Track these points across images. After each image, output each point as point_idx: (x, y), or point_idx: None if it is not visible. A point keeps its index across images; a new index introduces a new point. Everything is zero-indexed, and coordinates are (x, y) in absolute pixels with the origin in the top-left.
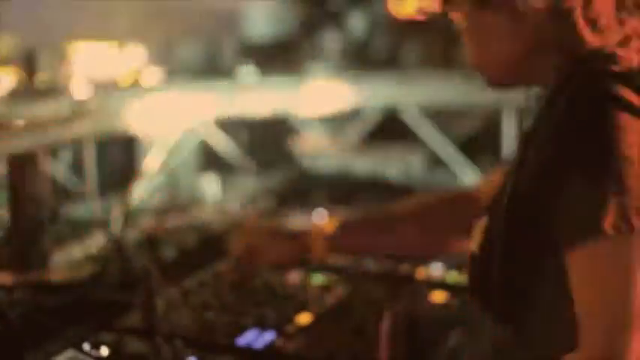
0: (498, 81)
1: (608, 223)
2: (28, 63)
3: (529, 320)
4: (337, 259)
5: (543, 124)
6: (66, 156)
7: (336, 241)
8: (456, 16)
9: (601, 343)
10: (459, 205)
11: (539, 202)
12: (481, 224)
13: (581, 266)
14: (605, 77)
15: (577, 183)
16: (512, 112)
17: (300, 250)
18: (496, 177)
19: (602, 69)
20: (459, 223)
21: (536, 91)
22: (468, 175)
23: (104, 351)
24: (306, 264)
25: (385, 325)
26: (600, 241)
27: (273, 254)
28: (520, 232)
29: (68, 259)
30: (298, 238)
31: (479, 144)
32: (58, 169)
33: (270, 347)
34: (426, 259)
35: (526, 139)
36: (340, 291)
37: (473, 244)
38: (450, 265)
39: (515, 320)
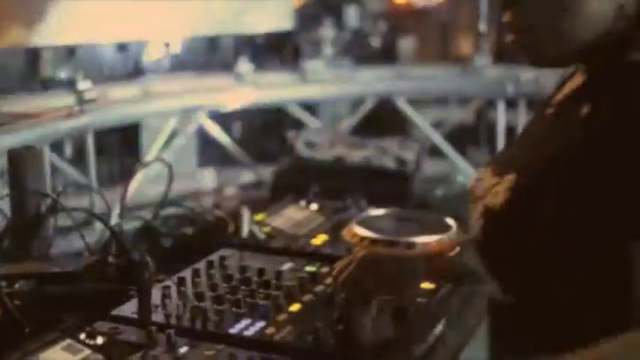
0: (553, 58)
1: None
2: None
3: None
4: (330, 248)
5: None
6: (67, 147)
7: None
8: None
9: None
10: None
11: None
12: (506, 181)
13: None
14: None
15: None
16: (504, 104)
17: None
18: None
19: None
20: None
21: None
22: (460, 166)
23: (100, 340)
24: None
25: (373, 314)
26: None
27: None
28: (575, 209)
29: (68, 250)
30: None
31: (470, 135)
32: (59, 160)
33: (260, 335)
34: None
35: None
36: (331, 279)
37: (491, 199)
38: None
39: (528, 291)
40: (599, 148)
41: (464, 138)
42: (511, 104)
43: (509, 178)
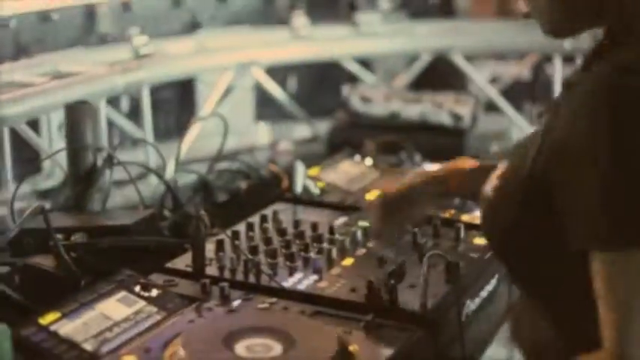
0: (551, 30)
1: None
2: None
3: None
4: None
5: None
6: (123, 102)
7: None
8: None
9: None
10: None
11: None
12: (500, 169)
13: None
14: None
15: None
16: (560, 59)
17: None
18: None
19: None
20: None
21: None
22: (516, 121)
23: (154, 292)
24: None
25: (425, 268)
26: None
27: None
28: (536, 209)
29: (124, 204)
30: None
31: (527, 91)
32: (115, 115)
33: (313, 289)
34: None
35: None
36: None
37: (488, 186)
38: None
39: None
40: (542, 163)
41: (520, 93)
42: (568, 59)
43: (503, 166)
